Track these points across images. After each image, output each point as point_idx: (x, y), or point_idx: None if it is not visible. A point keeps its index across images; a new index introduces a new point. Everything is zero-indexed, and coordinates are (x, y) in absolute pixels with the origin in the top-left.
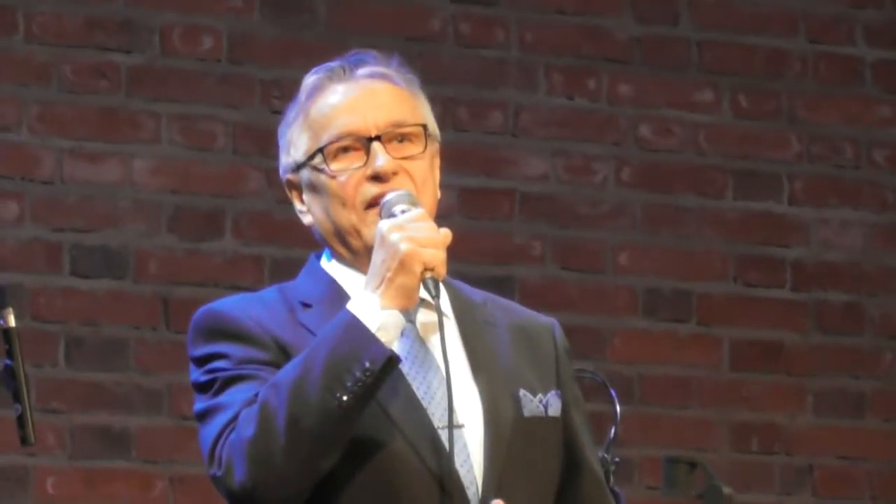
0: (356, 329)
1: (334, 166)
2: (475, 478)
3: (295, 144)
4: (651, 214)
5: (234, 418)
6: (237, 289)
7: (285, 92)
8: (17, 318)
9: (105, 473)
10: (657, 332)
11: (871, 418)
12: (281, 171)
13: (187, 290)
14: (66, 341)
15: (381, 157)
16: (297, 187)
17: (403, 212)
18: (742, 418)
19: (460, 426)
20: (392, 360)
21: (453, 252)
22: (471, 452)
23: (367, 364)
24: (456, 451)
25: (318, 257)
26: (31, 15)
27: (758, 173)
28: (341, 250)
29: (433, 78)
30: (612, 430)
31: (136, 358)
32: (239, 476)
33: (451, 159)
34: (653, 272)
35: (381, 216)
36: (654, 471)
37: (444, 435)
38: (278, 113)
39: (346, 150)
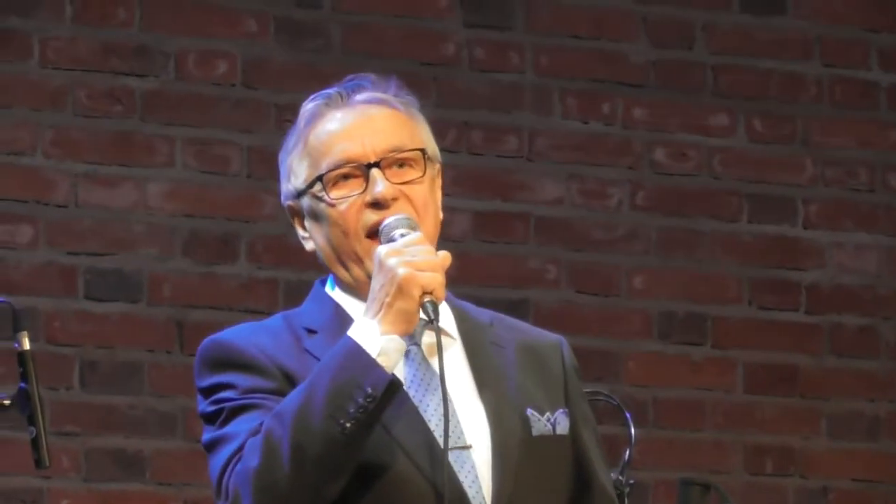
0: (357, 355)
1: (334, 194)
2: (484, 498)
3: (295, 172)
4: (666, 238)
5: (240, 448)
6: (251, 312)
7: None
8: (31, 341)
9: (119, 496)
10: (672, 355)
11: (885, 441)
12: (282, 198)
13: (202, 313)
14: (81, 364)
15: (381, 184)
16: (298, 214)
17: (402, 236)
18: (756, 441)
19: (468, 447)
20: (394, 385)
21: (468, 276)
22: (479, 473)
23: (369, 390)
24: (464, 472)
25: (323, 283)
26: (46, 40)
27: (772, 197)
28: (345, 277)
29: (448, 102)
30: (627, 453)
31: (150, 381)
32: None
33: (466, 183)
34: (667, 295)
35: (380, 241)
36: (668, 494)
37: (451, 456)
38: None
39: (345, 177)
